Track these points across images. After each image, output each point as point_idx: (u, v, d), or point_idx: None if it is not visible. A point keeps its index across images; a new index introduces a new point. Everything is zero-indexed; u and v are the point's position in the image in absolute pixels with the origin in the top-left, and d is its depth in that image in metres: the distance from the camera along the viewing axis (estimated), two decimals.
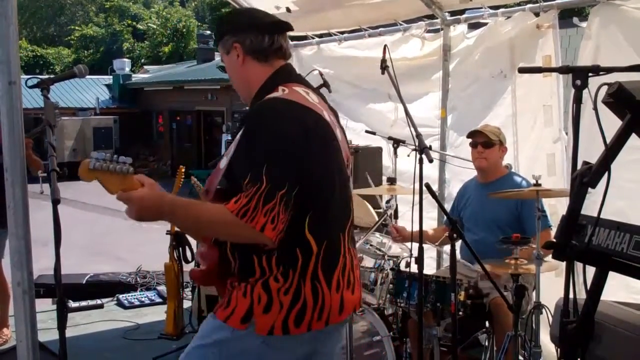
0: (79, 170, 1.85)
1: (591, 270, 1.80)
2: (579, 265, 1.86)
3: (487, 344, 3.55)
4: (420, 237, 2.89)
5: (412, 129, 2.93)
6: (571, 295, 1.77)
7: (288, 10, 5.58)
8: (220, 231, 1.95)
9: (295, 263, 1.98)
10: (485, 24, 4.77)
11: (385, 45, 3.20)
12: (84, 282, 5.80)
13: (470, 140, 3.88)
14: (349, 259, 2.11)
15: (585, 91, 1.82)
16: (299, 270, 1.98)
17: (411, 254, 3.62)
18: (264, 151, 1.90)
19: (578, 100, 1.83)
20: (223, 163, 2.05)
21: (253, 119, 2.00)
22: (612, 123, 1.73)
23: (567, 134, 4.20)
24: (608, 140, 1.69)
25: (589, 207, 1.76)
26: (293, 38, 6.29)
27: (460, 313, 3.18)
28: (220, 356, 2.01)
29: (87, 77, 3.66)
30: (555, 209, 3.92)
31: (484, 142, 3.80)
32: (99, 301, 5.41)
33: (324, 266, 2.01)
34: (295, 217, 1.92)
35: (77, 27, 34.42)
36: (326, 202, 2.03)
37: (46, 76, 4.30)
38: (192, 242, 5.06)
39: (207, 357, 2.03)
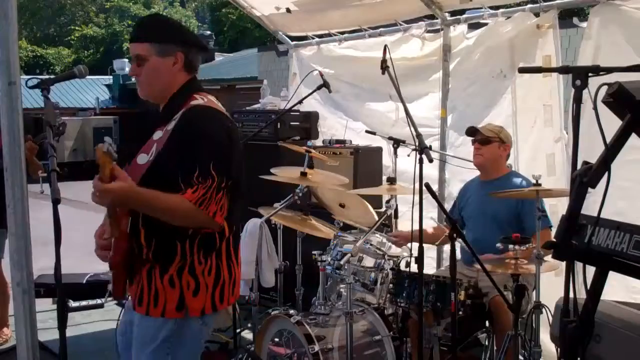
0: (97, 151, 2.03)
1: (591, 270, 1.80)
2: (579, 265, 1.86)
3: (487, 343, 3.56)
4: (420, 237, 2.89)
5: (412, 129, 2.94)
6: (571, 295, 1.77)
7: (288, 10, 5.59)
8: (180, 217, 2.21)
9: (214, 246, 2.30)
10: (485, 24, 4.77)
11: (385, 45, 3.20)
12: (84, 282, 5.79)
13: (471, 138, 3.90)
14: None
15: (585, 91, 1.82)
16: (216, 252, 2.30)
17: (411, 254, 3.62)
18: (208, 151, 2.22)
19: (578, 100, 1.83)
20: (142, 160, 2.29)
21: (193, 124, 2.27)
22: (612, 123, 1.73)
23: (567, 133, 4.20)
24: (608, 140, 1.69)
25: (589, 207, 1.76)
26: (293, 38, 6.30)
27: (460, 313, 3.18)
28: (171, 349, 2.27)
29: (87, 77, 3.66)
30: (556, 208, 3.92)
31: (481, 139, 3.82)
32: (99, 301, 5.40)
33: (234, 246, 2.38)
34: None
35: (77, 28, 34.39)
36: (239, 194, 2.35)
37: (46, 76, 4.31)
38: None
39: (162, 358, 2.27)
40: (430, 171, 4.58)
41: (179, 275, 2.25)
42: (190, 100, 2.33)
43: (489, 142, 3.81)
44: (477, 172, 4.06)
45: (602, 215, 1.75)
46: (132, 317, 2.41)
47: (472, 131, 3.88)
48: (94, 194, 2.12)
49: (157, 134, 2.33)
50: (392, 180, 3.93)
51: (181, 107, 2.32)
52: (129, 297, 2.46)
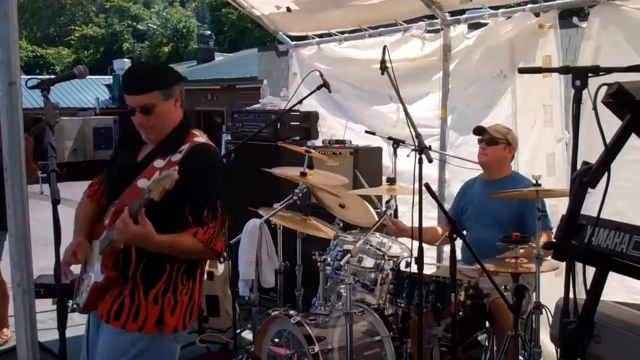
0: (172, 176, 2.15)
1: (591, 270, 1.80)
2: (579, 265, 1.86)
3: (487, 344, 3.55)
4: (420, 237, 2.89)
5: (412, 129, 2.94)
6: (571, 295, 1.77)
7: (288, 10, 5.59)
8: (194, 255, 2.43)
9: (196, 271, 2.50)
10: (486, 24, 4.77)
11: (385, 46, 3.20)
12: None
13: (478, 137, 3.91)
14: None
15: (585, 91, 1.82)
16: (193, 275, 2.48)
17: (411, 254, 3.62)
18: (216, 190, 2.40)
19: (578, 101, 1.83)
20: (143, 184, 2.35)
21: (202, 163, 2.42)
22: (612, 123, 1.73)
23: (568, 133, 4.20)
24: (608, 140, 1.69)
25: (589, 207, 1.76)
26: (293, 38, 6.30)
27: (460, 313, 3.18)
28: None
29: (87, 77, 3.66)
30: (556, 208, 3.92)
31: (488, 139, 3.83)
32: None
33: (204, 269, 2.62)
34: None
35: (77, 28, 34.40)
36: None
37: (46, 76, 4.31)
38: None
39: None
40: (430, 171, 4.58)
41: (164, 294, 2.40)
42: (192, 137, 2.49)
43: (496, 143, 3.81)
44: (477, 173, 4.06)
45: (601, 216, 1.75)
46: (95, 334, 2.53)
47: (479, 130, 3.89)
48: (118, 230, 2.24)
49: (159, 162, 2.43)
50: (391, 181, 3.92)
51: (183, 142, 2.46)
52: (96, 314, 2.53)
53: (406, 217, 3.81)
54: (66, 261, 2.44)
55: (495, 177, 3.88)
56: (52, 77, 2.62)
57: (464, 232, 3.85)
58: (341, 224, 3.99)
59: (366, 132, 5.03)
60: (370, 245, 3.71)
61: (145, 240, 2.26)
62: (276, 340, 3.50)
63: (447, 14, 4.97)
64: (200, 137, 2.51)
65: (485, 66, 4.72)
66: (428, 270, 3.53)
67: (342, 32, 5.82)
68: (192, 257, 2.44)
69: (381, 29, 5.48)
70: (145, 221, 2.22)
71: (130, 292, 2.38)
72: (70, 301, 5.11)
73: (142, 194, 2.20)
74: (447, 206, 4.38)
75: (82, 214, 2.62)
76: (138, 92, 2.40)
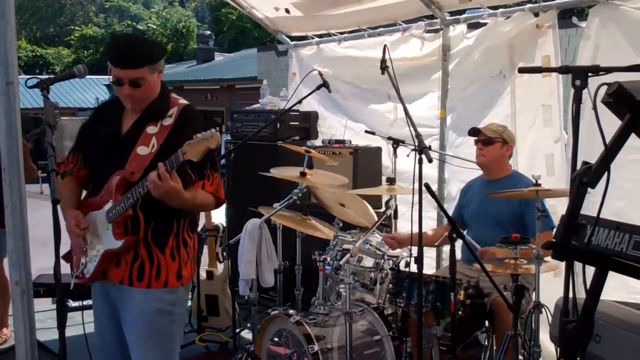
0: (216, 137, 2.32)
1: (591, 270, 1.80)
2: (578, 265, 1.86)
3: (486, 343, 3.55)
4: (420, 237, 2.88)
5: (412, 129, 2.93)
6: (571, 295, 1.77)
7: (287, 11, 5.59)
8: (206, 206, 2.63)
9: (196, 224, 2.71)
10: (485, 24, 4.76)
11: (385, 45, 3.20)
12: None
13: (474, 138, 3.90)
14: None
15: (585, 91, 1.82)
16: (195, 228, 2.69)
17: (411, 254, 3.62)
18: None
19: (577, 101, 1.83)
20: (143, 151, 2.51)
21: (194, 122, 2.55)
22: (612, 123, 1.73)
23: (567, 133, 4.19)
24: (608, 140, 1.69)
25: (589, 207, 1.76)
26: (293, 38, 6.30)
27: (460, 313, 3.18)
28: (174, 314, 2.58)
29: (87, 77, 3.69)
30: (555, 209, 3.91)
31: (483, 139, 3.81)
32: None
33: (199, 221, 2.79)
34: None
35: (76, 28, 34.41)
36: None
37: (46, 76, 4.30)
38: None
39: (163, 318, 2.54)
40: (430, 171, 4.58)
41: (177, 248, 2.57)
42: (175, 101, 2.63)
43: (492, 143, 3.80)
44: (477, 173, 4.05)
45: (601, 215, 1.75)
46: (113, 305, 2.62)
47: (474, 131, 3.88)
48: (153, 184, 2.33)
49: (152, 129, 2.54)
50: (391, 181, 3.92)
51: (169, 106, 2.59)
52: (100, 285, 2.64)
53: (406, 217, 3.80)
54: (75, 232, 2.53)
55: (495, 177, 3.86)
56: (52, 76, 2.63)
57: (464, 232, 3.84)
58: (341, 224, 3.99)
59: (366, 131, 5.03)
60: (370, 244, 3.71)
61: (176, 195, 2.40)
62: (276, 339, 3.50)
63: (446, 13, 4.96)
64: (180, 99, 2.66)
65: (485, 66, 4.71)
66: (427, 270, 3.53)
67: (342, 32, 5.82)
68: (202, 209, 2.66)
69: (380, 29, 5.48)
70: (178, 179, 2.38)
71: (147, 253, 2.52)
72: (70, 300, 5.11)
73: (175, 156, 2.33)
74: (447, 206, 4.37)
75: (65, 192, 2.63)
76: (129, 67, 2.46)
